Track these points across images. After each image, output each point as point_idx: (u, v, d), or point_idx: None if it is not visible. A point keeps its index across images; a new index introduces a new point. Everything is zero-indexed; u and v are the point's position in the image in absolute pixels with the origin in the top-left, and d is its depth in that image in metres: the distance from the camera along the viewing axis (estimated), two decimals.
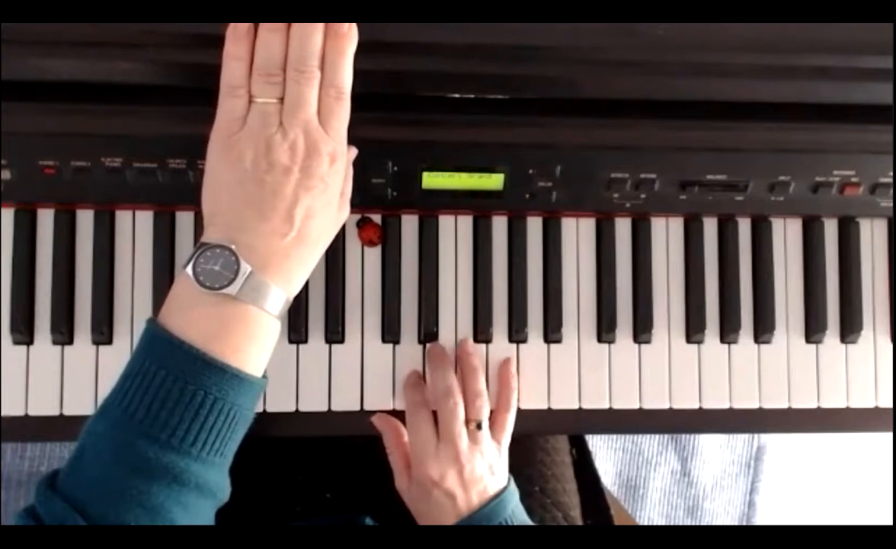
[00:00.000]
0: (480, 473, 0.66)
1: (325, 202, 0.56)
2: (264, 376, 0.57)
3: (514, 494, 0.68)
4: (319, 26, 0.54)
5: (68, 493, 0.52)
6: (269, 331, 0.56)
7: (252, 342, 0.55)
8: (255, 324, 0.55)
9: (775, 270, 0.74)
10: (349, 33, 0.54)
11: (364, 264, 0.72)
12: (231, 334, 0.54)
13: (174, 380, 0.52)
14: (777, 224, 0.74)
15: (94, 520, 0.50)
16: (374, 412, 0.70)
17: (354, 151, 0.62)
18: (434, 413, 0.68)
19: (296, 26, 0.54)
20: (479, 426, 0.67)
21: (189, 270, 0.54)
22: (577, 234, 0.73)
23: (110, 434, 0.53)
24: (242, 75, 0.54)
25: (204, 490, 0.53)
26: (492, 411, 0.70)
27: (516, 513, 0.67)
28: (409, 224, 0.72)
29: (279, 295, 0.55)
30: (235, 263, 0.53)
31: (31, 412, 0.68)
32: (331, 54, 0.54)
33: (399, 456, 0.69)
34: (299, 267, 0.57)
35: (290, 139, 0.54)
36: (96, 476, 0.52)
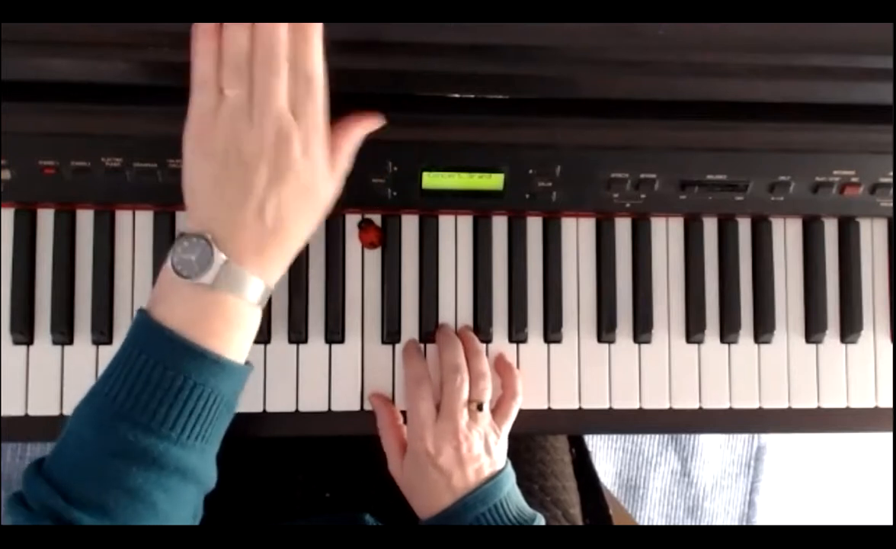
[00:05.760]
0: (478, 452, 0.66)
1: (298, 193, 0.56)
2: (247, 364, 0.58)
3: (510, 476, 0.68)
4: (284, 24, 0.54)
5: (52, 475, 0.53)
6: (248, 318, 0.57)
7: (231, 329, 0.56)
8: (233, 312, 0.56)
9: (775, 270, 0.74)
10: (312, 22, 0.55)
11: (364, 265, 0.72)
12: (210, 321, 0.55)
13: (154, 364, 0.53)
14: (777, 224, 0.74)
15: (75, 502, 0.51)
16: (374, 413, 0.70)
17: (373, 123, 0.60)
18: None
19: (261, 23, 0.54)
20: (479, 407, 0.67)
21: (168, 260, 0.55)
22: (577, 234, 0.73)
23: (93, 417, 0.54)
24: (211, 69, 0.55)
25: (186, 475, 0.54)
26: (498, 400, 0.70)
27: (511, 496, 0.67)
28: (409, 224, 0.72)
29: (257, 284, 0.56)
30: (210, 253, 0.54)
31: (31, 412, 0.68)
32: (296, 42, 0.54)
33: (392, 438, 0.69)
34: (277, 257, 0.57)
35: (259, 131, 0.54)
36: (79, 458, 0.53)
